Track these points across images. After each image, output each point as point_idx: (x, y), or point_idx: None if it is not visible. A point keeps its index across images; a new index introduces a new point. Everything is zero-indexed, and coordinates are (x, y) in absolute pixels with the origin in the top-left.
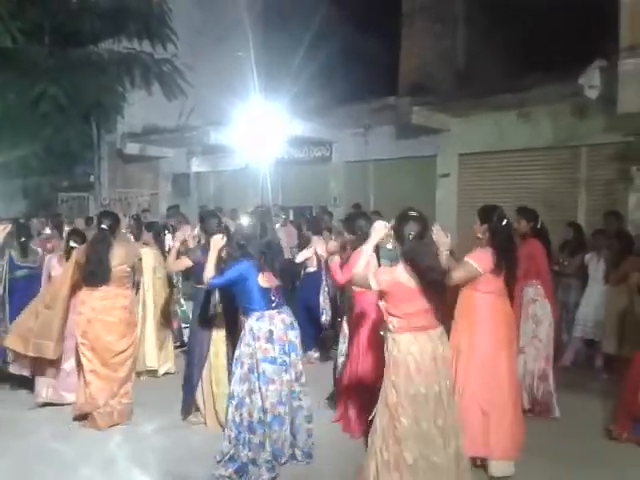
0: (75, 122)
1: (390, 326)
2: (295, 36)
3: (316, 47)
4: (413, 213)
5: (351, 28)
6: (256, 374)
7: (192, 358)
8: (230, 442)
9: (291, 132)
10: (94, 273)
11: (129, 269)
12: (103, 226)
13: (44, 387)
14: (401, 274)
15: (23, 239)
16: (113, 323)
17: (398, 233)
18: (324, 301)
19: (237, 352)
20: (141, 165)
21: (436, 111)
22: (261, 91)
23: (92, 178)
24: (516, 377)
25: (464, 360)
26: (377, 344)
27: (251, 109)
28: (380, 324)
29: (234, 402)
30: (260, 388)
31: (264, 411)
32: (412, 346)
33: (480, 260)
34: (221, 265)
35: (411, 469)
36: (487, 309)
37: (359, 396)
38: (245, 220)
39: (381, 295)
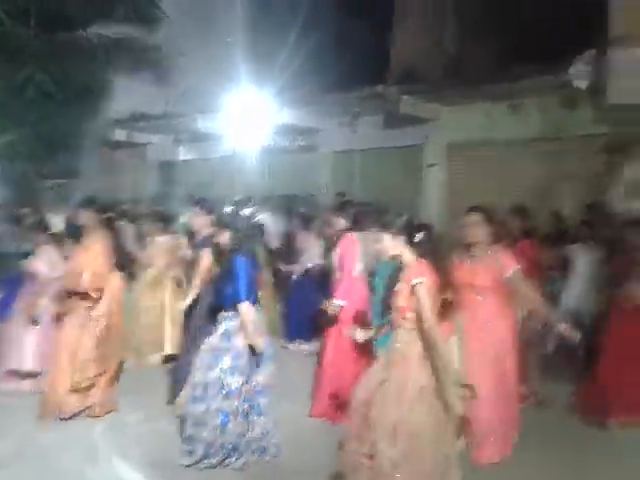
0: (62, 108)
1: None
2: (285, 23)
3: (306, 34)
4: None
5: (341, 15)
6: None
7: (185, 346)
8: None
9: (278, 120)
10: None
11: None
12: None
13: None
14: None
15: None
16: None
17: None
18: None
19: (227, 344)
20: (128, 152)
21: (425, 100)
22: (250, 78)
23: (79, 165)
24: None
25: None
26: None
27: (239, 96)
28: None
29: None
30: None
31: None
32: (418, 342)
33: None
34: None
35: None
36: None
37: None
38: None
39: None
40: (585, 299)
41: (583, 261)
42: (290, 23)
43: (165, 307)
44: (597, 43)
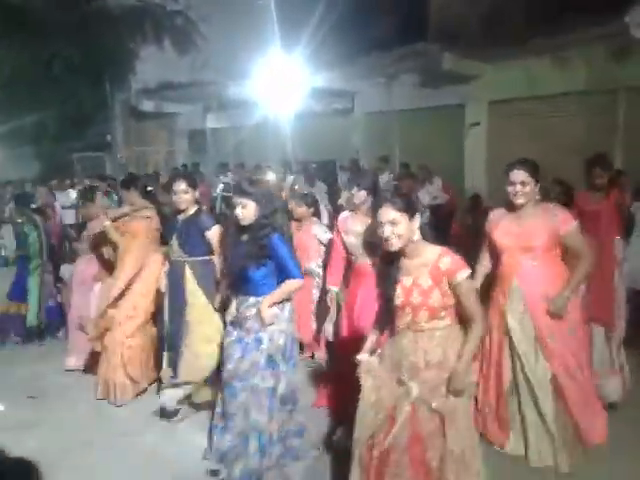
0: (88, 81)
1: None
2: None
3: None
4: None
5: None
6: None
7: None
8: None
9: (311, 84)
10: None
11: None
12: None
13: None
14: None
15: None
16: None
17: None
18: None
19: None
20: (156, 122)
21: (466, 57)
22: (280, 41)
23: (108, 137)
24: None
25: None
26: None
27: (269, 61)
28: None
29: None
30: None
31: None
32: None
33: None
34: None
35: None
36: None
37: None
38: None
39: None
40: None
41: None
42: None
43: None
44: None
